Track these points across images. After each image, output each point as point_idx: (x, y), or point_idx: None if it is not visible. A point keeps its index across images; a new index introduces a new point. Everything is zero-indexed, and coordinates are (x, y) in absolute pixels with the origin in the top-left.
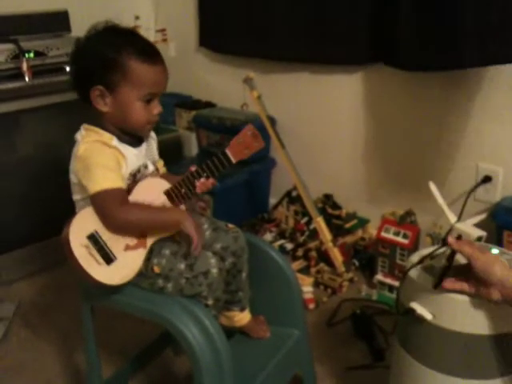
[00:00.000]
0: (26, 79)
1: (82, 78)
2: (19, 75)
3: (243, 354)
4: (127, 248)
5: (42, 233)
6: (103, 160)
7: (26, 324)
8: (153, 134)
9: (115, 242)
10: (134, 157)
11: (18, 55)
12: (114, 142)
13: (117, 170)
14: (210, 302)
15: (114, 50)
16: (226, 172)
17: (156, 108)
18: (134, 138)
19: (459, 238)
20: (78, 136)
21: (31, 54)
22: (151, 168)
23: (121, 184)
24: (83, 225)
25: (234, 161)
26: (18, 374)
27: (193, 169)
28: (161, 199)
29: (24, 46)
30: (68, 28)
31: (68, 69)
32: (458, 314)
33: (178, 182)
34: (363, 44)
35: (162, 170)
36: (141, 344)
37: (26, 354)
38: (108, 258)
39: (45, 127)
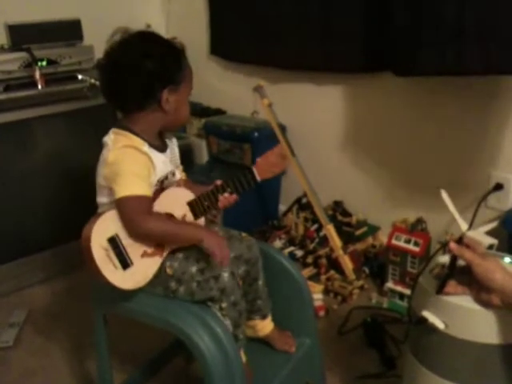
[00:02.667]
0: (39, 87)
1: (151, 82)
2: (32, 83)
3: (255, 362)
4: (144, 255)
5: (54, 239)
6: (134, 167)
7: (38, 330)
8: (174, 139)
9: (134, 248)
10: (162, 163)
11: (30, 63)
12: (146, 147)
13: (147, 178)
14: (224, 305)
15: (174, 51)
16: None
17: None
18: (161, 144)
19: (460, 240)
20: (108, 140)
21: (44, 63)
22: (178, 176)
23: (148, 192)
24: (106, 227)
25: (259, 179)
26: (28, 380)
27: (218, 183)
28: (183, 210)
29: (37, 55)
30: (80, 37)
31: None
32: (470, 323)
33: (202, 194)
34: (370, 53)
35: (182, 174)
36: (152, 351)
37: (36, 360)
38: (125, 263)
39: (57, 135)
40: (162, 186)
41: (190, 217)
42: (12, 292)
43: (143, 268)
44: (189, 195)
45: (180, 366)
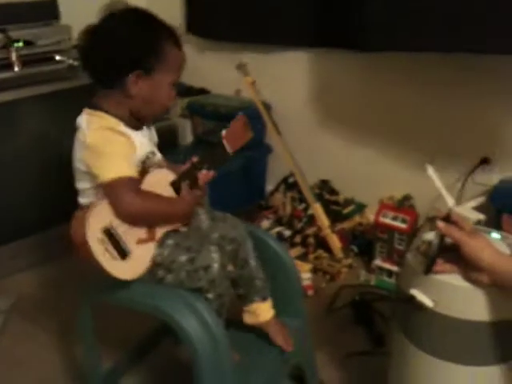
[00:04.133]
0: (16, 69)
1: (117, 63)
2: (8, 65)
3: (242, 344)
4: (139, 241)
5: (41, 224)
6: (116, 148)
7: (25, 317)
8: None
9: (129, 235)
10: (140, 142)
11: (6, 45)
12: (121, 127)
13: (129, 158)
14: (210, 296)
15: (153, 34)
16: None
17: (174, 93)
18: (136, 123)
19: (447, 217)
20: (81, 122)
21: (20, 44)
22: (159, 155)
23: (133, 173)
24: (99, 218)
25: (230, 151)
26: (16, 368)
27: (194, 160)
28: (168, 191)
29: (13, 36)
30: (57, 16)
31: (86, 54)
32: (458, 300)
33: (182, 173)
34: (369, 29)
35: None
36: (140, 335)
37: (23, 348)
38: (123, 253)
39: (37, 117)
40: (143, 167)
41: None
42: None
43: (141, 255)
44: (170, 175)
45: (167, 349)
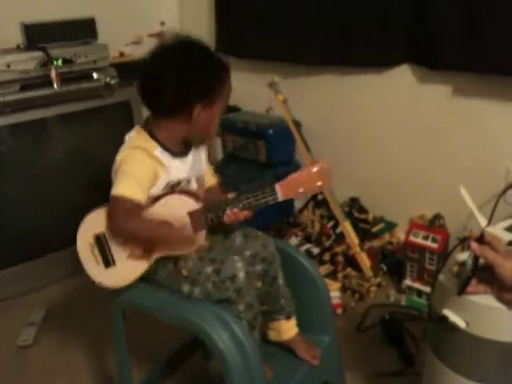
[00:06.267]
0: (55, 86)
1: (189, 93)
2: (48, 83)
3: (274, 361)
4: (131, 256)
5: (72, 238)
6: (136, 169)
7: (56, 329)
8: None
9: (120, 248)
10: (175, 169)
11: (46, 63)
12: (157, 151)
13: (146, 182)
14: (241, 308)
15: (219, 68)
16: (251, 176)
17: (218, 121)
18: (181, 150)
19: (480, 238)
20: (127, 137)
21: (59, 62)
22: (194, 185)
23: (139, 197)
24: (96, 223)
25: (281, 198)
26: (49, 378)
27: (230, 196)
28: (183, 218)
29: (52, 54)
30: (95, 35)
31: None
32: (492, 321)
33: (206, 206)
34: (392, 45)
35: (211, 181)
36: (171, 348)
37: (56, 358)
38: (107, 262)
39: (73, 134)
40: (173, 191)
41: (188, 229)
42: (30, 291)
43: (126, 269)
44: (191, 206)
45: (198, 363)
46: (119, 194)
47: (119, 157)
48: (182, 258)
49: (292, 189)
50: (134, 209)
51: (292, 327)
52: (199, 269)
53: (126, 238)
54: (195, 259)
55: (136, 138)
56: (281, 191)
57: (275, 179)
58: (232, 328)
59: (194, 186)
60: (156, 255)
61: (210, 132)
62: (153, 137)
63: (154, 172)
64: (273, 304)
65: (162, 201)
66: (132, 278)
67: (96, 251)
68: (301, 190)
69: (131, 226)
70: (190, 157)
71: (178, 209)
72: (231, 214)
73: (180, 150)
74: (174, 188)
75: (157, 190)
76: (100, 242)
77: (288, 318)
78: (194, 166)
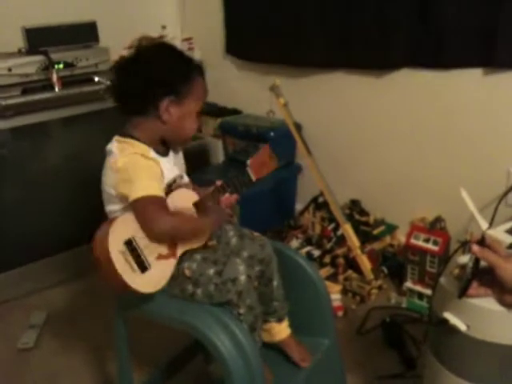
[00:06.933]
0: (56, 90)
1: (151, 88)
2: (49, 86)
3: (274, 364)
4: (160, 257)
5: (72, 241)
6: (147, 170)
7: (58, 332)
8: None
9: (150, 251)
10: (167, 168)
11: (47, 66)
12: (151, 153)
13: (160, 180)
14: (242, 311)
15: (186, 64)
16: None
17: (197, 123)
18: (164, 149)
19: (481, 241)
20: (113, 148)
21: (61, 65)
22: (186, 178)
23: (162, 193)
24: (121, 231)
25: (254, 179)
26: (50, 382)
27: (218, 184)
28: (191, 210)
29: (54, 58)
30: (96, 39)
31: (116, 79)
32: (492, 324)
33: (205, 195)
34: (393, 48)
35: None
36: (172, 352)
37: (57, 361)
38: (143, 266)
39: (75, 137)
40: (171, 191)
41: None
42: (31, 294)
43: (160, 270)
44: (194, 196)
45: (199, 367)
46: (143, 194)
47: (119, 165)
48: (186, 258)
49: (260, 170)
50: (164, 204)
51: (283, 329)
52: (202, 270)
53: (169, 235)
54: (199, 260)
55: (125, 146)
56: (253, 173)
57: (276, 181)
58: (233, 331)
59: (186, 179)
60: (180, 250)
61: (186, 132)
62: (138, 140)
63: (159, 173)
64: (266, 306)
65: (170, 197)
66: (167, 277)
67: (129, 258)
68: (267, 170)
69: (172, 221)
70: (171, 155)
71: (185, 201)
72: (225, 199)
73: (162, 149)
74: (171, 187)
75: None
76: (132, 246)
77: (280, 320)
78: (179, 162)
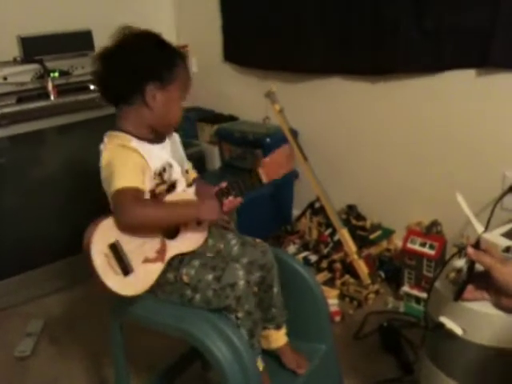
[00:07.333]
0: (52, 98)
1: (136, 73)
2: (45, 95)
3: (272, 370)
4: (146, 261)
5: (69, 249)
6: (125, 162)
7: (54, 339)
8: (175, 136)
9: (135, 254)
10: (154, 155)
11: (43, 75)
12: (133, 142)
13: (135, 170)
14: (240, 315)
15: (169, 50)
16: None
17: (181, 111)
18: (156, 137)
19: (477, 245)
20: (101, 145)
21: (56, 74)
22: (177, 168)
23: (138, 184)
24: (107, 233)
25: (265, 181)
26: None
27: (223, 186)
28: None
29: (49, 66)
30: (92, 47)
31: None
32: (488, 328)
33: (209, 195)
34: (390, 54)
35: (192, 173)
36: (169, 359)
37: (54, 369)
38: (126, 270)
39: (70, 145)
40: (162, 179)
41: (192, 222)
42: (28, 301)
43: (144, 274)
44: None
45: (197, 373)
46: (119, 187)
47: (103, 161)
48: (184, 264)
49: (274, 171)
50: (139, 194)
51: (281, 337)
52: (200, 276)
53: (142, 224)
54: (197, 266)
55: (110, 139)
56: (264, 175)
57: (273, 187)
58: (229, 338)
59: (176, 168)
60: (169, 255)
61: (172, 117)
62: (124, 132)
63: (141, 162)
64: (264, 312)
65: (166, 199)
66: (151, 281)
67: (113, 261)
68: (279, 171)
69: (143, 210)
70: (168, 141)
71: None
72: (228, 203)
73: (154, 136)
74: (162, 176)
75: (148, 182)
76: (115, 250)
77: (278, 328)
78: (174, 151)
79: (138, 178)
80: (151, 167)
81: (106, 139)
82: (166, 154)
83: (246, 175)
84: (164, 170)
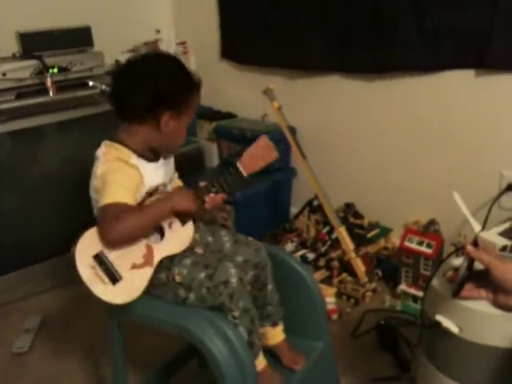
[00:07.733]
0: (51, 94)
1: (158, 99)
2: (43, 90)
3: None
4: (134, 267)
5: (67, 245)
6: (121, 177)
7: (52, 336)
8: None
9: (122, 261)
10: (152, 174)
11: (42, 71)
12: (133, 159)
13: (133, 189)
14: (236, 314)
15: (189, 79)
16: (247, 182)
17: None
18: (153, 156)
19: (475, 244)
20: (99, 153)
21: (55, 70)
22: (169, 187)
23: (128, 201)
24: (90, 244)
25: (245, 174)
26: None
27: (202, 184)
28: (169, 217)
29: (48, 62)
30: (91, 43)
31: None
32: (484, 326)
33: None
34: (390, 52)
35: (177, 182)
36: (166, 356)
37: (52, 365)
38: (114, 278)
39: (69, 141)
40: (149, 198)
41: (176, 223)
42: (26, 298)
43: (134, 280)
44: None
45: (193, 371)
46: (108, 202)
47: (99, 172)
48: (175, 264)
49: (253, 163)
50: (124, 209)
51: (278, 334)
52: (193, 275)
53: (125, 238)
54: (189, 265)
55: (110, 150)
56: (243, 168)
57: (271, 185)
58: (227, 335)
59: (169, 188)
60: (157, 257)
61: (178, 142)
62: (125, 146)
63: (136, 178)
64: (260, 310)
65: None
66: (143, 285)
67: (99, 271)
68: (259, 163)
69: (125, 223)
70: (162, 161)
71: None
72: (210, 200)
73: (150, 155)
74: (152, 195)
75: (139, 197)
76: (100, 260)
77: (274, 325)
78: (167, 170)
79: (130, 195)
80: (145, 185)
81: (104, 148)
82: (161, 175)
83: (226, 171)
84: (156, 189)
